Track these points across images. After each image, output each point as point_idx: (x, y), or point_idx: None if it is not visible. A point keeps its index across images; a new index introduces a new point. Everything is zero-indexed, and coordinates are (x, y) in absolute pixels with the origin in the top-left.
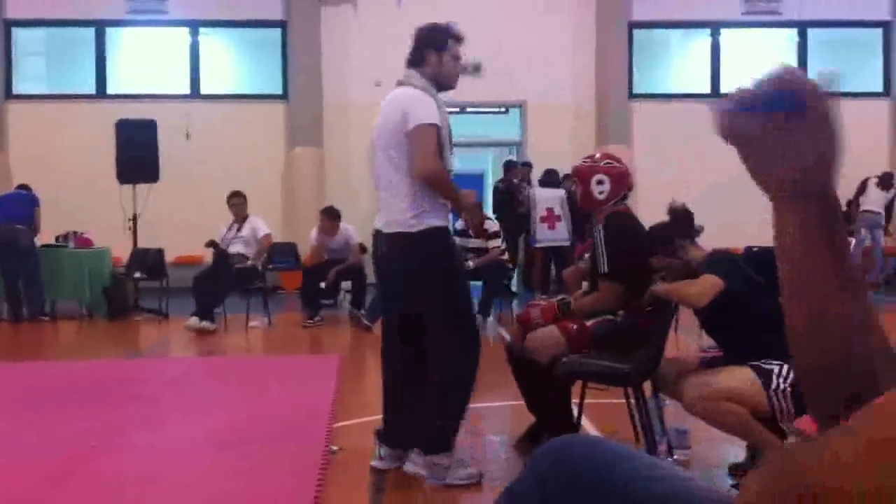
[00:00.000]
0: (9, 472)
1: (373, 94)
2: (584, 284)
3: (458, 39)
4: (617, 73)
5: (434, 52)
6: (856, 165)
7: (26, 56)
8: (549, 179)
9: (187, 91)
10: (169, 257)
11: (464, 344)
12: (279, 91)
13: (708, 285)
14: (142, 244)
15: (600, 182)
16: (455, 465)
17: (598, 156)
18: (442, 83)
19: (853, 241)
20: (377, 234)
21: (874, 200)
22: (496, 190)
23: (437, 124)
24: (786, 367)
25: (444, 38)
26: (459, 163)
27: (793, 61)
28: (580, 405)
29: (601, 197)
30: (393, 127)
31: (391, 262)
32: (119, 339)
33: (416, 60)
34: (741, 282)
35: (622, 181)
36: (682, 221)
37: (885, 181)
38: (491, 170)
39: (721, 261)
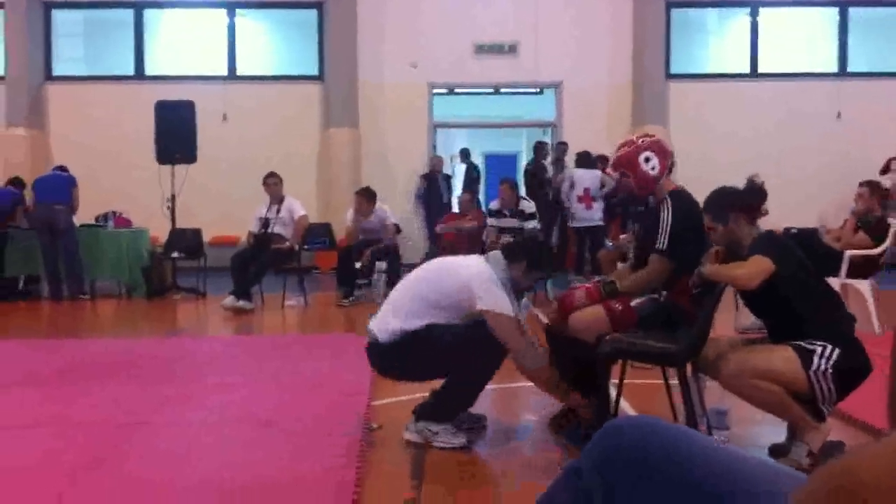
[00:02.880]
0: (53, 446)
1: (408, 76)
2: (619, 265)
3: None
4: (654, 53)
5: (526, 264)
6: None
7: (65, 38)
8: (585, 160)
9: (224, 72)
10: (206, 237)
11: (489, 341)
12: (315, 72)
13: (758, 268)
14: (179, 224)
15: (648, 159)
16: (444, 431)
17: (629, 139)
18: (517, 289)
19: (891, 226)
20: None
21: None
22: (527, 171)
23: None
24: (829, 348)
25: (540, 260)
26: (494, 143)
27: (833, 40)
28: (619, 385)
29: (655, 172)
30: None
31: None
32: (157, 317)
33: (511, 255)
34: (791, 264)
35: (665, 150)
36: (754, 197)
37: None
38: (525, 150)
39: (770, 242)
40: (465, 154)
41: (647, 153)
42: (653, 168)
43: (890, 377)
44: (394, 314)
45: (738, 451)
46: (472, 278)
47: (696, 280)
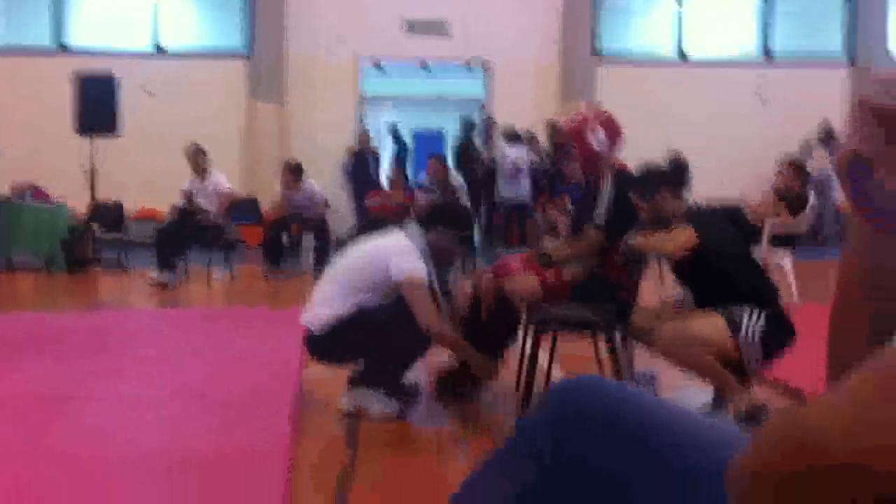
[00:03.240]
0: None
1: (337, 50)
2: (546, 239)
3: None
4: (582, 34)
5: (443, 229)
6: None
7: None
8: (512, 137)
9: (148, 46)
10: (129, 212)
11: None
12: (242, 46)
13: (684, 238)
14: (103, 199)
15: (596, 134)
16: (376, 398)
17: (582, 110)
18: (437, 257)
19: (808, 200)
20: None
21: (823, 162)
22: (455, 148)
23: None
24: (756, 315)
25: (457, 223)
26: (422, 119)
27: (757, 28)
28: (551, 354)
29: (602, 147)
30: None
31: None
32: (79, 291)
33: (427, 223)
34: (716, 235)
35: (616, 128)
36: (677, 172)
37: (825, 139)
38: (452, 127)
39: (697, 214)
40: (394, 129)
41: (595, 126)
42: (599, 143)
43: (829, 337)
44: (322, 304)
45: (685, 409)
46: (390, 252)
47: (624, 251)
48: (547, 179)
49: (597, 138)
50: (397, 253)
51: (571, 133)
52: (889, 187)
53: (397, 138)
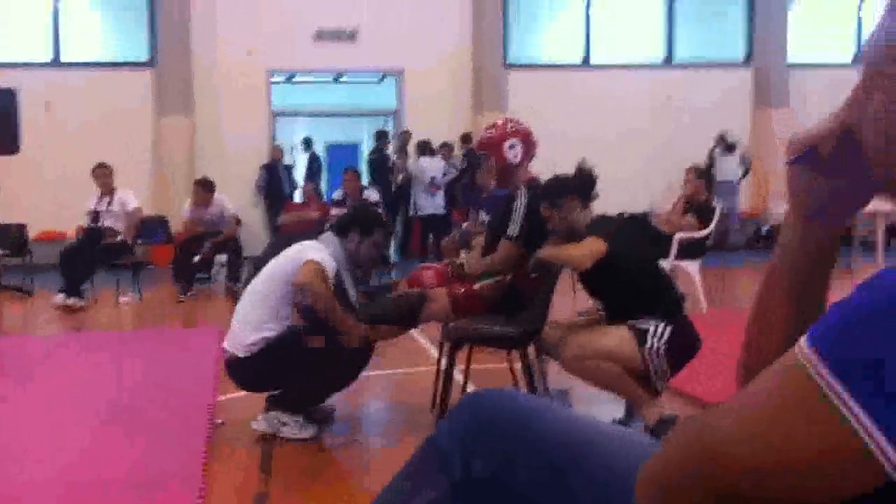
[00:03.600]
0: None
1: (245, 62)
2: (462, 253)
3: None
4: (492, 41)
5: (358, 234)
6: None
7: None
8: (425, 149)
9: (49, 58)
10: (32, 233)
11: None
12: (146, 58)
13: (590, 249)
14: (2, 220)
15: (512, 146)
16: (293, 423)
17: (499, 122)
18: (357, 263)
19: (716, 209)
20: None
21: (726, 170)
22: (370, 161)
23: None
24: (661, 326)
25: (372, 226)
26: (335, 133)
27: (661, 27)
28: (466, 370)
29: (516, 160)
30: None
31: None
32: None
33: (341, 231)
34: (624, 245)
35: (531, 141)
36: (585, 182)
37: (726, 146)
38: (367, 140)
39: (603, 224)
40: (307, 143)
41: (513, 140)
42: (515, 156)
43: (744, 341)
44: (244, 326)
45: (596, 421)
46: (303, 256)
47: (532, 264)
48: (461, 191)
49: (513, 151)
50: (307, 253)
51: (488, 144)
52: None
53: (310, 152)
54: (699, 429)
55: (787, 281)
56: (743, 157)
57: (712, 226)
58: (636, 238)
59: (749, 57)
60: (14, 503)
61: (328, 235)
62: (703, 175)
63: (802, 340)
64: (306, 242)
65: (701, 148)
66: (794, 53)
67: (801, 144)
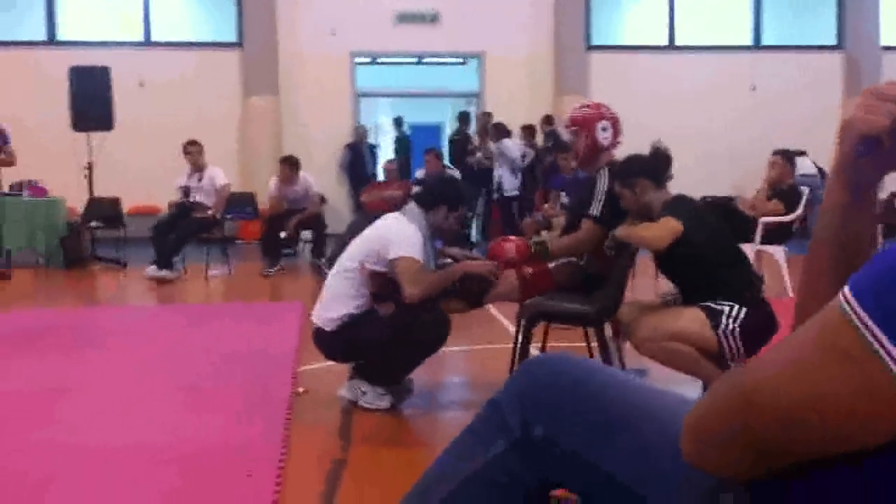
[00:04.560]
0: None
1: (329, 45)
2: (544, 233)
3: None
4: (574, 24)
5: (445, 208)
6: (811, 122)
7: None
8: (504, 131)
9: (140, 38)
10: (126, 207)
11: (435, 317)
12: (234, 39)
13: (666, 229)
14: (98, 194)
15: (605, 129)
16: (371, 392)
17: (591, 103)
18: (440, 235)
19: (803, 194)
20: None
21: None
22: (451, 142)
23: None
24: (736, 307)
25: (458, 201)
26: (418, 114)
27: (747, 12)
28: (542, 346)
29: (606, 143)
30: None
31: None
32: (77, 288)
33: (426, 203)
34: (701, 226)
35: (619, 128)
36: (659, 163)
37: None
38: (449, 121)
39: (680, 205)
40: (398, 123)
41: (605, 122)
42: (605, 138)
43: (796, 301)
44: (332, 299)
45: (652, 386)
46: (389, 235)
47: (609, 242)
48: (542, 172)
49: (605, 133)
50: (393, 233)
51: (582, 122)
52: None
53: (400, 131)
54: (739, 378)
55: (829, 245)
56: None
57: (799, 210)
58: (715, 220)
59: (840, 40)
60: (103, 466)
61: (412, 207)
62: (789, 159)
63: (844, 288)
64: (390, 216)
65: (788, 133)
66: (888, 36)
67: (862, 135)
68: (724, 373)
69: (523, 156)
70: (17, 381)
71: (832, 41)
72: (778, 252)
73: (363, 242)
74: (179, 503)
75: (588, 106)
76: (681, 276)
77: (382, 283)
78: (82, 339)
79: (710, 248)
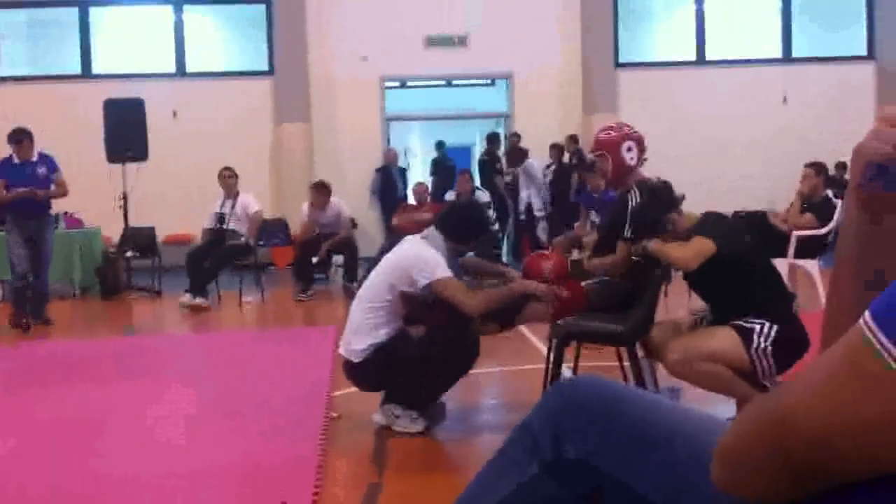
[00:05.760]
0: (15, 444)
1: (359, 70)
2: (575, 252)
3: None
4: (602, 42)
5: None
6: (843, 133)
7: (8, 38)
8: (525, 153)
9: (173, 70)
10: (160, 236)
11: (464, 338)
12: (265, 67)
13: (698, 250)
14: (132, 224)
15: (629, 149)
16: (404, 416)
17: (614, 125)
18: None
19: (836, 207)
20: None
21: None
22: (481, 162)
23: None
24: (767, 325)
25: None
26: (447, 136)
27: (777, 24)
28: (574, 366)
29: (632, 163)
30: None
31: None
32: (113, 317)
33: (446, 231)
34: (733, 243)
35: (643, 147)
36: (664, 197)
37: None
38: (479, 142)
39: (715, 223)
40: (439, 146)
41: (630, 143)
42: (631, 158)
43: (823, 320)
44: (356, 332)
45: (683, 406)
46: (410, 263)
47: (639, 250)
48: (570, 192)
49: (630, 153)
50: (414, 260)
51: (607, 144)
52: None
53: (442, 153)
54: (772, 402)
55: (853, 265)
56: None
57: (832, 223)
58: (747, 237)
59: (870, 51)
60: (143, 489)
61: (432, 232)
62: (822, 172)
63: (866, 314)
64: (411, 240)
65: (820, 145)
66: None
67: (869, 161)
68: (758, 391)
69: (547, 166)
70: (59, 410)
71: (863, 52)
72: (811, 266)
73: (388, 269)
74: None
75: (612, 128)
76: (712, 292)
77: (414, 305)
78: (119, 369)
79: (741, 266)
